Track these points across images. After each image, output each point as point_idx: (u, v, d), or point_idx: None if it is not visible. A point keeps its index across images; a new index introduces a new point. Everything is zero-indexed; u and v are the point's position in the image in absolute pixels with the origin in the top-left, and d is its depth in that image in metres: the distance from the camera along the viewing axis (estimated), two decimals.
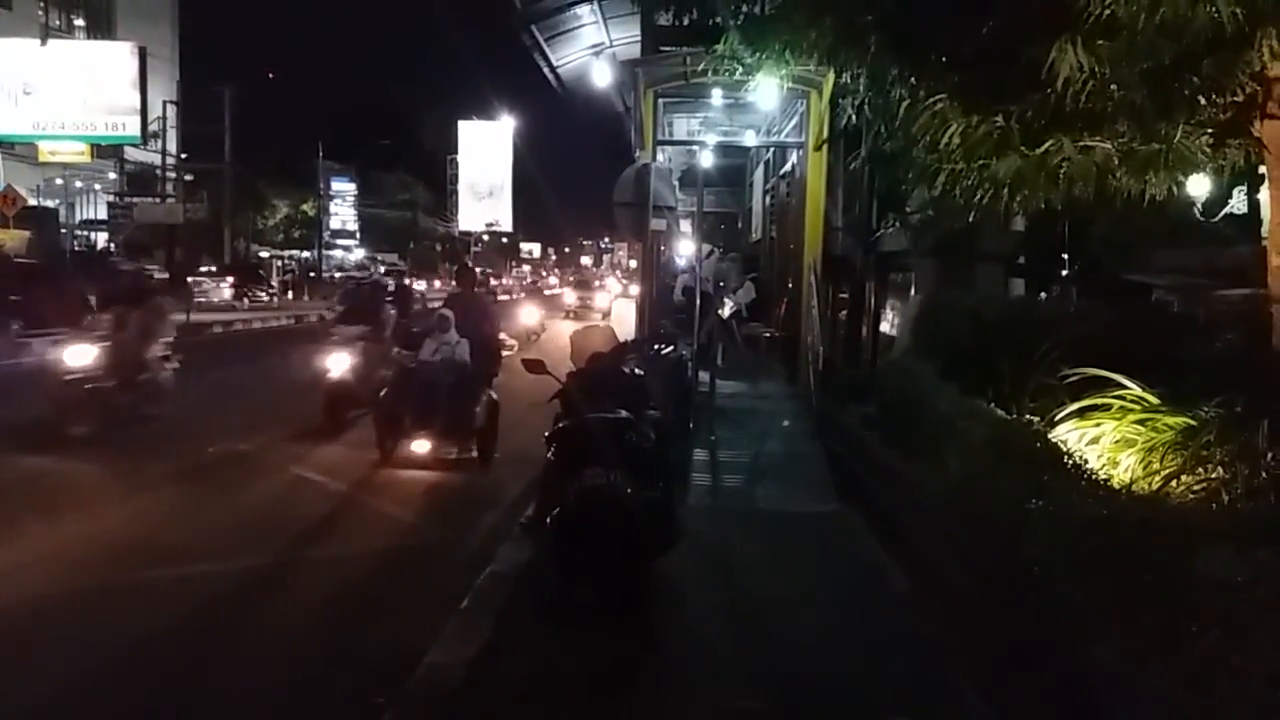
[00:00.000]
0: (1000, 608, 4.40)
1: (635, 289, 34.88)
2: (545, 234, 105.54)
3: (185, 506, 7.99)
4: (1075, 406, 6.20)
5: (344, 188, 66.90)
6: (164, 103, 42.71)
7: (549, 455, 5.39)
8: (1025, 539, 4.25)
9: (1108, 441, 5.82)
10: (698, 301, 9.49)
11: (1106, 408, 6.17)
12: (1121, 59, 5.78)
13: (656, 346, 7.86)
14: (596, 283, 47.07)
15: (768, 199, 16.02)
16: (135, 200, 45.49)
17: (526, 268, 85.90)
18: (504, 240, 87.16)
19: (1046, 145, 6.11)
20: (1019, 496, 4.54)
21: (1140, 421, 5.70)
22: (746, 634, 5.20)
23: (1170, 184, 6.31)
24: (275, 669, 4.96)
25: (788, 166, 12.55)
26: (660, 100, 10.77)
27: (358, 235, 67.68)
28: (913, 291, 12.47)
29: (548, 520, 5.28)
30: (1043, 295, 12.43)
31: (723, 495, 7.94)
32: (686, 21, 9.23)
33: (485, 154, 73.68)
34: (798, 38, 7.33)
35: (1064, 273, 12.62)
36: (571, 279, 60.17)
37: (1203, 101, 6.13)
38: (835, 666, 4.79)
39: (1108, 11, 5.37)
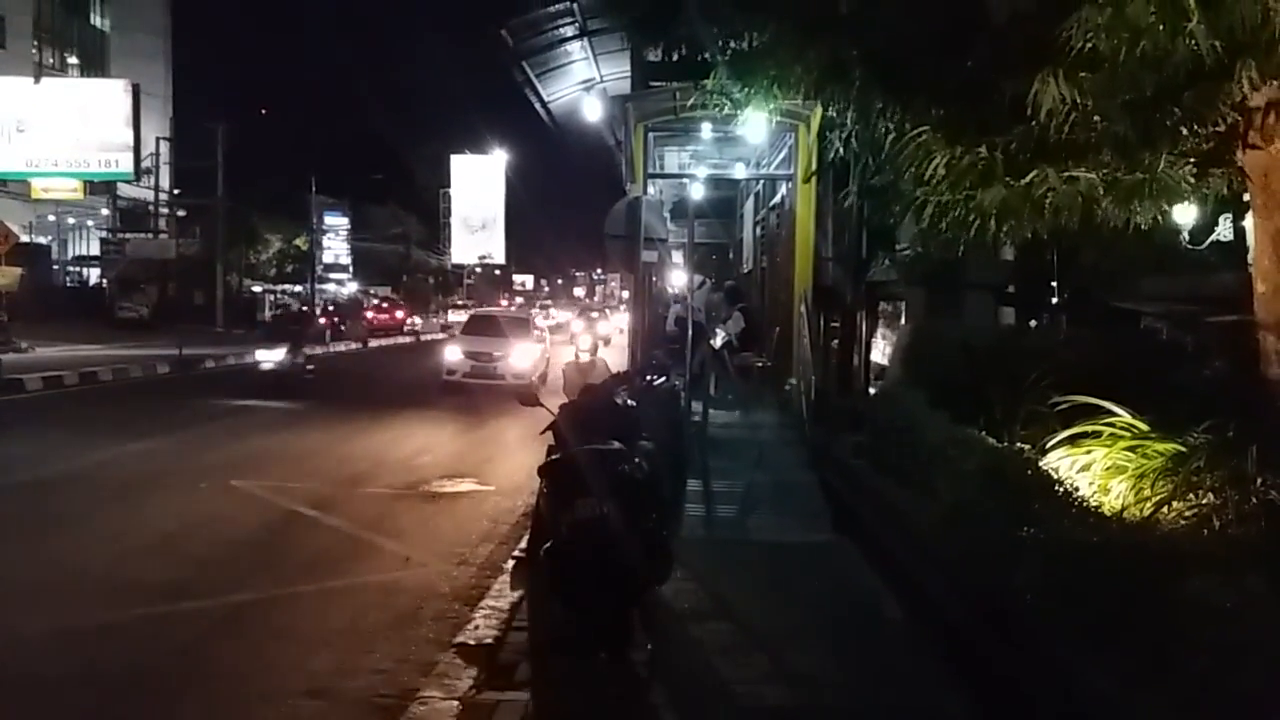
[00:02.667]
0: (993, 636, 4.40)
1: (606, 328, 33.57)
2: (539, 266, 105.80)
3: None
4: (1066, 434, 6.24)
5: (337, 222, 67.11)
6: (157, 139, 42.97)
7: (541, 488, 5.39)
8: (1017, 566, 4.26)
9: (1099, 468, 5.84)
10: (689, 332, 9.53)
11: (1097, 435, 6.20)
12: (1104, 91, 5.86)
13: (649, 377, 7.88)
14: (512, 330, 21.28)
15: (758, 230, 16.13)
16: (128, 236, 45.68)
17: (520, 299, 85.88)
18: (496, 273, 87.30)
19: (1031, 176, 6.19)
20: (1010, 524, 4.56)
21: (1130, 448, 5.73)
22: (742, 665, 5.19)
23: (1155, 213, 6.39)
24: (264, 706, 4.92)
25: (777, 198, 12.66)
26: (651, 134, 10.88)
27: (351, 269, 67.80)
28: (903, 320, 12.54)
29: (541, 553, 5.28)
30: (1032, 323, 12.52)
31: (717, 526, 7.93)
32: (675, 57, 9.36)
33: (478, 187, 74.05)
34: (785, 72, 7.43)
35: (1053, 301, 12.72)
36: (467, 311, 36.60)
37: (1185, 132, 6.20)
38: (831, 697, 4.78)
39: (1089, 45, 5.45)
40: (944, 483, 5.80)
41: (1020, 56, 5.99)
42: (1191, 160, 6.22)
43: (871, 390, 12.86)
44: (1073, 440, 6.27)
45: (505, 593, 6.25)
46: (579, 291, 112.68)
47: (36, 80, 36.15)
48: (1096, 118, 6.09)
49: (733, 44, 8.77)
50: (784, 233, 12.08)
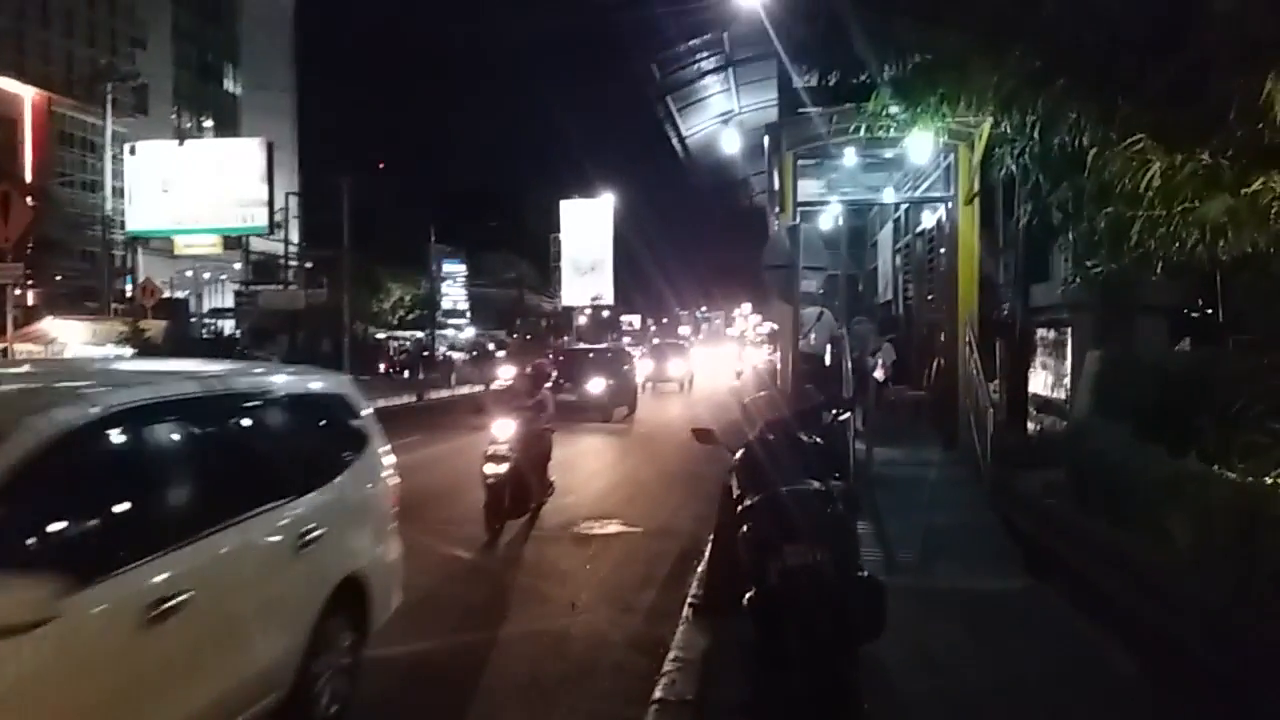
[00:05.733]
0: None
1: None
2: (645, 306, 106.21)
3: None
4: None
5: (454, 269, 68.84)
6: (286, 195, 44.71)
7: (742, 531, 5.05)
8: None
9: None
10: (848, 363, 9.12)
11: None
12: None
13: (834, 412, 7.45)
14: None
15: (897, 259, 15.60)
16: (260, 288, 47.59)
17: (627, 339, 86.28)
18: (604, 314, 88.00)
19: (1257, 184, 5.64)
20: None
21: None
22: None
23: None
24: None
25: (930, 223, 12.16)
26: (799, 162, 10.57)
27: (468, 314, 69.32)
28: (1068, 348, 11.82)
29: (745, 602, 4.94)
30: (1184, 345, 11.59)
31: (898, 571, 7.43)
32: (831, 82, 9.07)
33: (586, 230, 74.94)
34: (961, 88, 7.04)
35: (1220, 322, 11.80)
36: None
37: None
38: None
39: None
40: (1179, 524, 5.25)
41: (1244, 53, 5.50)
42: None
43: (1031, 424, 12.16)
44: None
45: (692, 643, 5.91)
46: (684, 330, 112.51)
47: (180, 143, 38.18)
48: None
49: (889, 67, 8.44)
50: (940, 259, 11.58)
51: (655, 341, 45.30)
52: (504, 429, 9.64)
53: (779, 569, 4.68)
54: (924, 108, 7.80)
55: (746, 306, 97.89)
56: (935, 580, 7.30)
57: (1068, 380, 12.07)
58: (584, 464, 15.36)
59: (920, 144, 8.70)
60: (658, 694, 5.06)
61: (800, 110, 9.59)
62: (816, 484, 5.22)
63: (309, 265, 49.34)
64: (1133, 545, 5.73)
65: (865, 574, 4.87)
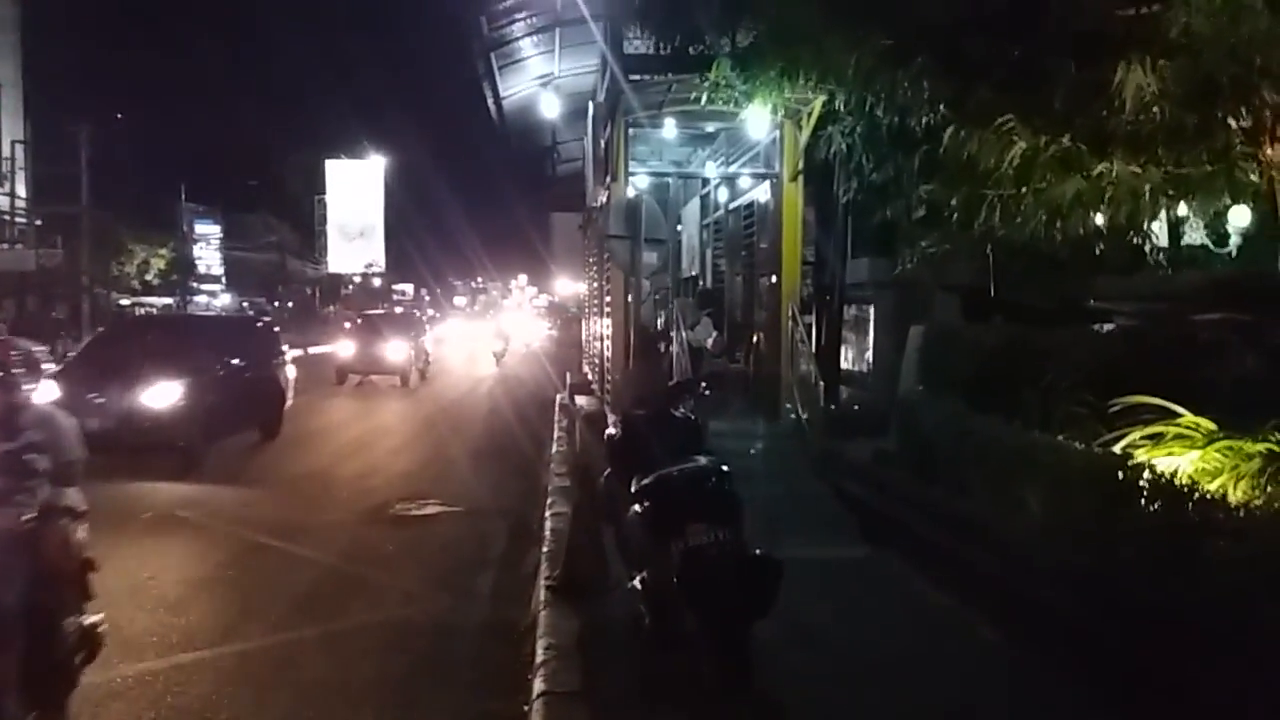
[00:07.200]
0: (1160, 655, 4.08)
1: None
2: (422, 275, 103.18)
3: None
4: (1138, 434, 6.04)
5: (208, 230, 63.95)
6: (13, 143, 39.86)
7: (635, 511, 4.84)
8: (1189, 579, 3.96)
9: (1185, 470, 5.65)
10: (683, 337, 9.08)
11: (1159, 436, 6.03)
12: (1179, 79, 5.72)
13: (704, 386, 7.31)
14: None
15: (705, 233, 15.76)
16: None
17: (399, 309, 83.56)
18: (374, 282, 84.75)
19: (1100, 168, 6.00)
20: (1161, 534, 4.27)
21: (1224, 450, 5.56)
22: (862, 700, 4.76)
23: (1217, 206, 6.31)
24: None
25: (745, 199, 12.30)
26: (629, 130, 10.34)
27: (224, 279, 64.62)
28: (871, 324, 12.38)
29: (637, 583, 4.75)
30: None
31: None
32: (669, 49, 8.93)
33: (355, 193, 71.72)
34: (816, 62, 7.06)
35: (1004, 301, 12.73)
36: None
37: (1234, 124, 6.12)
38: None
39: (1185, 27, 5.28)
40: (1035, 492, 5.51)
41: (1100, 41, 5.81)
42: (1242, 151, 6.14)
43: (851, 395, 12.61)
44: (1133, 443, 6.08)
45: (560, 628, 5.63)
46: (460, 300, 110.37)
47: None
48: (1157, 109, 5.95)
49: (736, 36, 8.41)
50: (759, 235, 11.73)
51: (361, 313, 31.25)
52: None
53: (681, 549, 4.51)
54: (763, 81, 7.80)
55: (523, 278, 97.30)
56: (780, 550, 7.36)
57: (869, 355, 12.66)
58: None
59: (757, 119, 8.71)
60: (540, 685, 4.73)
61: (633, 78, 9.37)
62: (703, 460, 5.10)
63: (39, 223, 44.27)
64: (982, 514, 5.96)
65: (759, 551, 4.79)
